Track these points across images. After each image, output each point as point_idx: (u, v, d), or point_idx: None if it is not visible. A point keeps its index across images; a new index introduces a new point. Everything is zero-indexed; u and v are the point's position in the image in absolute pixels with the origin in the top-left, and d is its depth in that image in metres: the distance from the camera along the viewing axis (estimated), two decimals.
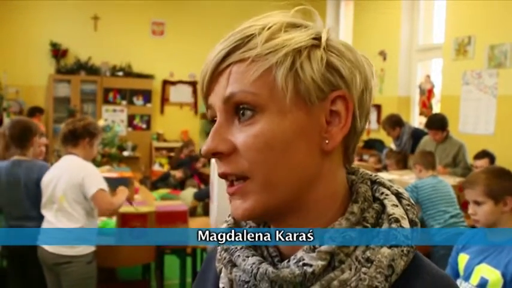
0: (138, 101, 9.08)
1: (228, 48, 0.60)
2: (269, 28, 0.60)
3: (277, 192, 0.60)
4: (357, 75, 0.62)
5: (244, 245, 0.66)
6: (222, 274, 0.68)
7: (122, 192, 3.11)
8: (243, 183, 0.61)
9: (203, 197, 5.07)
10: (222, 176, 0.62)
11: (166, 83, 9.40)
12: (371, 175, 0.69)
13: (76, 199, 2.88)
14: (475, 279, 2.07)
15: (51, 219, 2.92)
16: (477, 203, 2.17)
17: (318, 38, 0.61)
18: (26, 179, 3.09)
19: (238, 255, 0.64)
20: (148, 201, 3.94)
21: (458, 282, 2.14)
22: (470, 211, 2.23)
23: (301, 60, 0.59)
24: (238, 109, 0.60)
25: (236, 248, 0.66)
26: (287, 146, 0.59)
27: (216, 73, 0.61)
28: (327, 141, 0.61)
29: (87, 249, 2.92)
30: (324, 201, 0.63)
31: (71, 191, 2.87)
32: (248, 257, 0.63)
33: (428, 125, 4.93)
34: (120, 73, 8.98)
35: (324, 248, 0.59)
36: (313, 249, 0.60)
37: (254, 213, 0.61)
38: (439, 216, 3.48)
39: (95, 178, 2.92)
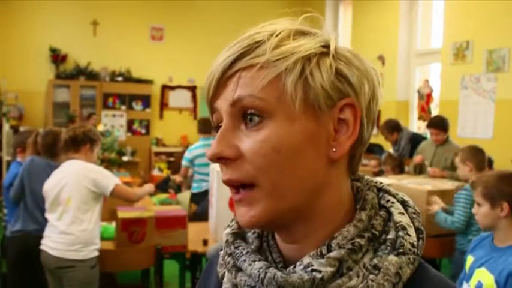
0: (138, 106, 9.09)
1: (236, 54, 0.59)
2: (277, 35, 0.59)
3: (284, 199, 0.60)
4: (365, 84, 0.62)
5: (250, 250, 0.65)
6: (225, 279, 0.68)
7: (148, 186, 3.53)
8: (249, 191, 0.60)
9: (199, 200, 5.07)
10: (228, 182, 0.61)
11: (165, 88, 9.41)
12: (376, 182, 0.69)
13: (83, 201, 2.93)
14: (473, 282, 2.07)
15: (55, 222, 2.94)
16: (478, 204, 2.20)
17: (326, 46, 0.61)
18: None
19: (244, 260, 0.64)
20: (148, 206, 3.94)
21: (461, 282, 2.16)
22: (473, 211, 2.26)
23: (311, 68, 0.59)
24: (246, 114, 0.60)
25: (242, 252, 0.65)
26: (294, 152, 0.59)
27: (224, 78, 0.60)
28: (334, 150, 0.61)
29: (92, 253, 2.95)
30: (329, 209, 0.63)
31: (79, 193, 2.91)
32: (255, 261, 0.63)
33: (430, 124, 4.93)
34: (120, 78, 8.99)
35: (333, 254, 0.59)
36: (322, 255, 0.60)
37: (261, 221, 0.61)
38: None
39: (107, 176, 3.04)
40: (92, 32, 8.95)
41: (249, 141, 0.59)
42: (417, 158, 5.07)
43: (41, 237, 3.01)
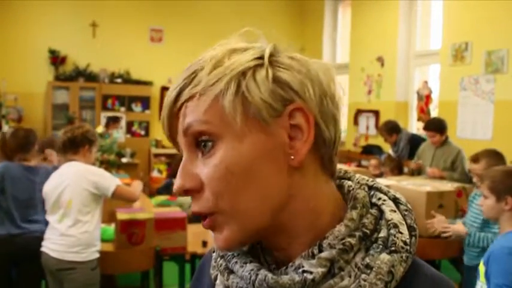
0: (137, 107, 9.09)
1: (178, 88, 0.62)
2: (212, 59, 0.61)
3: (250, 219, 0.60)
4: (308, 85, 0.60)
5: (241, 251, 0.66)
6: (218, 281, 0.68)
7: (138, 183, 3.46)
8: (214, 217, 0.60)
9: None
10: (195, 214, 0.62)
11: (164, 90, 9.40)
12: (368, 180, 0.69)
13: (84, 203, 2.93)
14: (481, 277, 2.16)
15: (56, 224, 2.94)
16: (485, 197, 2.31)
17: (261, 57, 0.61)
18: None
19: (236, 262, 0.64)
20: (147, 207, 3.94)
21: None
22: (479, 203, 2.39)
23: (246, 83, 0.59)
24: (199, 142, 0.60)
25: (233, 254, 0.65)
26: (249, 170, 0.58)
27: (173, 113, 0.62)
28: (292, 157, 0.60)
29: (92, 255, 2.95)
30: (304, 217, 0.62)
31: (80, 196, 2.91)
32: (246, 263, 0.63)
33: (425, 127, 4.96)
34: (119, 80, 8.99)
35: (324, 254, 0.59)
36: (313, 256, 0.59)
37: (234, 243, 0.61)
38: None
39: (108, 177, 3.04)
40: (91, 34, 8.95)
41: (205, 169, 0.60)
42: (414, 164, 5.09)
43: (23, 241, 3.06)
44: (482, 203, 2.36)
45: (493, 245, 2.21)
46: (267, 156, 0.59)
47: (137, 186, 3.40)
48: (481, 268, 2.14)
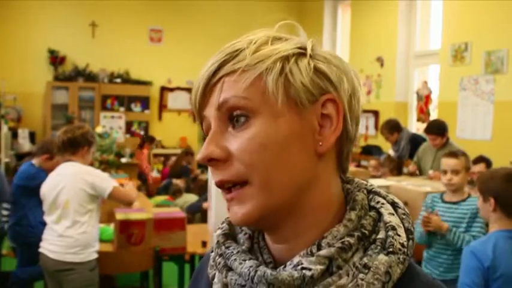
0: (136, 107, 9.09)
1: (218, 62, 0.62)
2: (255, 42, 0.63)
3: (275, 194, 0.61)
4: (344, 80, 0.64)
5: (241, 250, 0.66)
6: (216, 279, 0.68)
7: (130, 185, 3.46)
8: (240, 189, 0.62)
9: (195, 211, 5.09)
10: (219, 184, 0.63)
11: (164, 90, 9.41)
12: (366, 184, 0.70)
13: (81, 203, 2.92)
14: None
15: (53, 225, 2.94)
16: (479, 197, 2.37)
17: (303, 48, 0.64)
18: None
19: (235, 259, 0.64)
20: (146, 208, 3.94)
21: None
22: (477, 204, 2.44)
23: (290, 66, 0.61)
24: (232, 117, 0.62)
25: (232, 252, 0.66)
26: (281, 147, 0.60)
27: (209, 87, 0.63)
28: (320, 143, 0.63)
29: (91, 256, 2.95)
30: (319, 207, 0.64)
31: (77, 196, 2.91)
32: (245, 260, 0.63)
33: (427, 130, 4.94)
34: (118, 80, 8.99)
35: (323, 252, 0.60)
36: (312, 254, 0.60)
37: (253, 218, 0.62)
38: None
39: (105, 179, 3.05)
40: (90, 34, 8.95)
41: (237, 141, 0.61)
42: (412, 167, 5.10)
43: None
44: (477, 204, 2.43)
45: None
46: (298, 138, 0.62)
47: (131, 187, 3.41)
48: None
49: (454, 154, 3.14)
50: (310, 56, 0.63)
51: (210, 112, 0.64)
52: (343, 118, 0.63)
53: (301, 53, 0.63)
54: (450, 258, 2.98)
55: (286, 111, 0.61)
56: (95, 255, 2.99)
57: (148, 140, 8.01)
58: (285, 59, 0.62)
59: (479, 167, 4.26)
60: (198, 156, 0.63)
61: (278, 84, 0.61)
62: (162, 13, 9.21)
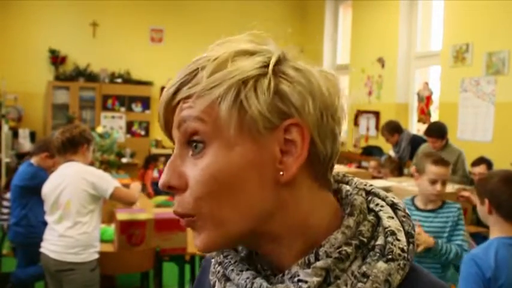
0: (137, 107, 9.09)
1: (176, 85, 0.61)
2: (215, 60, 0.59)
3: (228, 227, 0.59)
4: (309, 100, 0.59)
5: (238, 258, 0.65)
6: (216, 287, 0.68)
7: (136, 185, 3.48)
8: (189, 218, 0.61)
9: None
10: (175, 214, 0.62)
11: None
12: (366, 185, 0.68)
13: (83, 204, 2.93)
14: None
15: (54, 225, 2.94)
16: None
17: (267, 65, 0.59)
18: None
19: (232, 270, 0.64)
20: (147, 208, 3.94)
21: None
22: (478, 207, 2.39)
23: (246, 92, 0.57)
24: (191, 141, 0.59)
25: (230, 261, 0.65)
26: (234, 179, 0.58)
27: (170, 107, 0.61)
28: (281, 173, 0.58)
29: (92, 256, 2.95)
30: (295, 227, 0.61)
31: (78, 196, 2.91)
32: (242, 271, 0.63)
33: (427, 132, 4.94)
34: (119, 80, 8.99)
35: (319, 264, 0.58)
36: (308, 265, 0.59)
37: (213, 247, 0.61)
38: None
39: (106, 179, 3.03)
40: (91, 34, 8.95)
41: (193, 170, 0.59)
42: (412, 169, 5.08)
43: None
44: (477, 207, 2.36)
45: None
46: (254, 169, 0.58)
47: (135, 188, 3.39)
48: None
49: (445, 162, 2.90)
50: (274, 73, 0.58)
51: (175, 133, 0.62)
52: (308, 142, 0.59)
53: (261, 73, 0.58)
54: (437, 273, 2.71)
55: (240, 140, 0.57)
56: (96, 256, 2.99)
57: (152, 159, 7.97)
58: (242, 83, 0.57)
59: (480, 169, 4.25)
60: (159, 183, 0.61)
61: (232, 113, 0.57)
62: (163, 13, 9.21)
